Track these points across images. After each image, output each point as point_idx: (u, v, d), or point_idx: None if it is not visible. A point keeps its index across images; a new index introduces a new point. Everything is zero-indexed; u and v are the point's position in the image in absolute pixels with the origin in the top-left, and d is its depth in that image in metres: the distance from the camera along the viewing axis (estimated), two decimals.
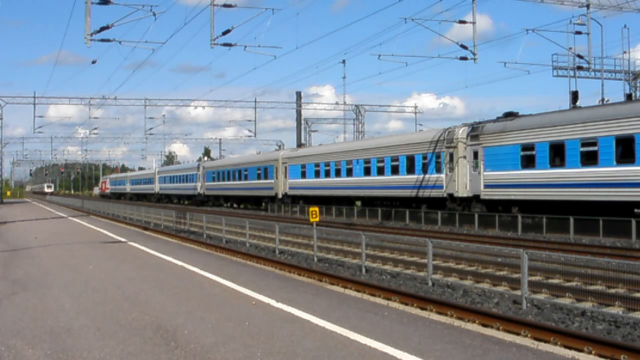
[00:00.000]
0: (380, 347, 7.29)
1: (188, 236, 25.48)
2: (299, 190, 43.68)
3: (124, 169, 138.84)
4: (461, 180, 28.89)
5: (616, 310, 9.96)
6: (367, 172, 36.44)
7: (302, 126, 61.39)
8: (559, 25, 55.64)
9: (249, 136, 66.38)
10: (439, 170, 30.51)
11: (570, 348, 7.70)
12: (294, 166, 44.67)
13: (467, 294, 11.73)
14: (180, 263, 15.69)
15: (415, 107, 66.51)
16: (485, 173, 27.60)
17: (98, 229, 29.80)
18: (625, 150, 21.77)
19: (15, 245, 20.94)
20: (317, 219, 19.91)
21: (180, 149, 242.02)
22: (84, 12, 24.79)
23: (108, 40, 26.42)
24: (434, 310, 10.04)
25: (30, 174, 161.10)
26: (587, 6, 32.22)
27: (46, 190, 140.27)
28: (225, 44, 27.75)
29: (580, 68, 35.67)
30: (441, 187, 30.19)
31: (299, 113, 59.68)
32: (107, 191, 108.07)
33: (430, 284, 12.62)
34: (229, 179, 56.28)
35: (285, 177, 45.58)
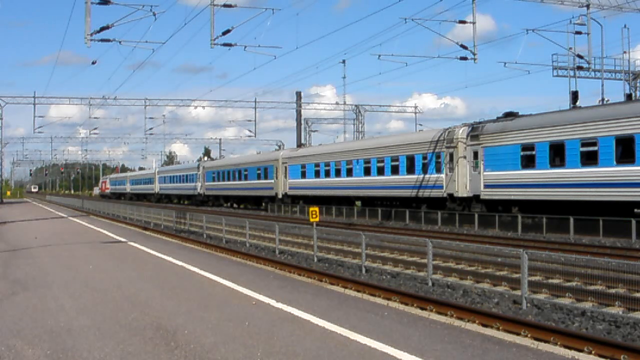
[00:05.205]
0: (380, 347, 7.29)
1: (188, 236, 25.47)
2: (299, 190, 43.67)
3: (124, 169, 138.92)
4: (461, 180, 28.89)
5: (616, 310, 9.97)
6: (367, 172, 36.43)
7: (302, 126, 61.39)
8: (559, 25, 55.45)
9: (249, 136, 66.52)
10: (439, 170, 30.51)
11: (570, 348, 7.69)
12: (294, 166, 44.66)
13: (467, 294, 11.73)
14: (180, 263, 15.69)
15: (416, 107, 66.60)
16: (485, 173, 27.60)
17: (98, 229, 29.80)
18: (625, 150, 21.78)
19: (16, 245, 20.94)
20: (317, 219, 19.88)
21: (180, 149, 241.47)
22: (84, 12, 24.84)
23: (108, 40, 26.45)
24: (434, 310, 10.04)
25: (31, 174, 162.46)
26: (587, 6, 32.24)
27: (32, 190, 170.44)
28: (225, 44, 27.77)
29: (580, 68, 35.69)
30: (441, 187, 30.19)
31: (299, 113, 59.70)
32: (107, 191, 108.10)
33: (430, 284, 12.62)
34: (229, 179, 56.26)
35: (285, 177, 45.56)
